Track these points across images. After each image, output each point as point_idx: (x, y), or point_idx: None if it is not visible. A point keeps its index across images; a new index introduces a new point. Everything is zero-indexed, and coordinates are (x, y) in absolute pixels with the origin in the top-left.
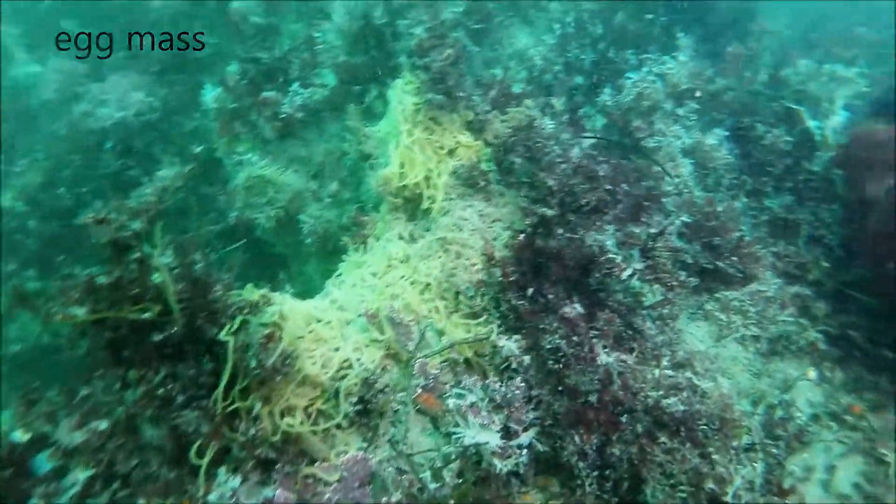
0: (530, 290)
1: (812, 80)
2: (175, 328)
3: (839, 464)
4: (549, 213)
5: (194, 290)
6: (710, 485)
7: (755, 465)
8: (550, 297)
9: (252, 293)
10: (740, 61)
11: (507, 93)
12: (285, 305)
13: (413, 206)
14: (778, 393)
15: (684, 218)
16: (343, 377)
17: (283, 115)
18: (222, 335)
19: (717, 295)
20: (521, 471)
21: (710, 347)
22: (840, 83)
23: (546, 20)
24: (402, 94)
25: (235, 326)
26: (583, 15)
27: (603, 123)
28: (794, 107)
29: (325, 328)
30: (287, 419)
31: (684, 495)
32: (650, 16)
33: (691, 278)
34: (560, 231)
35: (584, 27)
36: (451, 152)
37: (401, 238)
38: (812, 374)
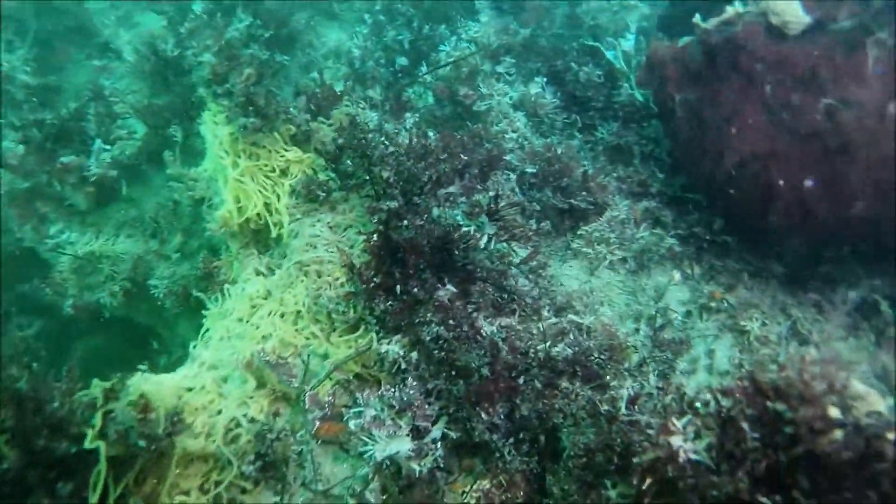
0: (398, 288)
1: (603, 14)
2: (6, 464)
3: (715, 346)
4: (394, 204)
5: (21, 411)
6: (604, 407)
7: (649, 377)
8: (416, 290)
9: (99, 387)
10: (539, 11)
11: (329, 94)
12: (146, 385)
13: (262, 237)
14: (654, 304)
15: (529, 169)
16: (233, 439)
17: (93, 179)
18: (87, 443)
19: (579, 232)
20: (442, 464)
21: (584, 283)
22: (628, 10)
23: (354, 11)
24: (214, 127)
25: (98, 425)
26: None
27: (431, 100)
28: (592, 43)
29: (199, 395)
30: (180, 498)
31: (591, 428)
32: None
33: (544, 223)
34: (408, 219)
35: (394, 11)
36: (283, 172)
37: (258, 274)
38: (677, 276)
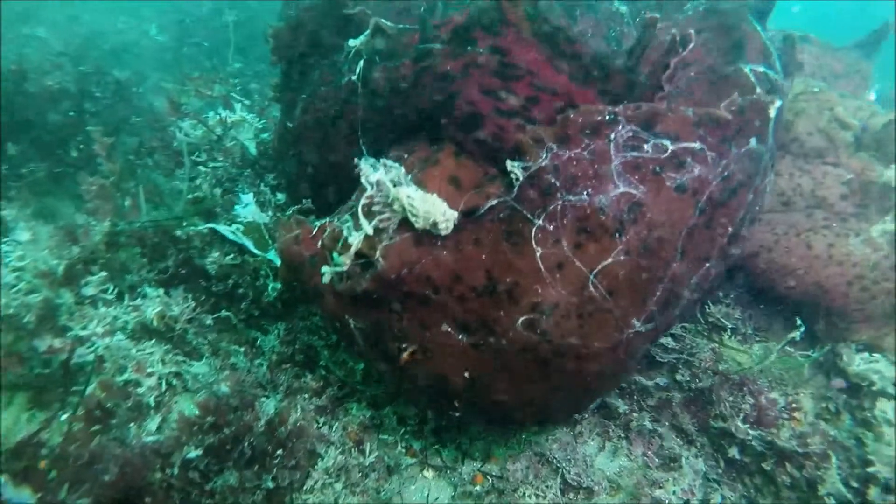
0: None
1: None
2: None
3: None
4: None
5: None
6: None
7: None
8: None
9: None
10: (105, 189)
11: None
12: None
13: None
14: None
15: (192, 454)
16: None
17: None
18: None
19: None
20: None
21: None
22: (238, 129)
23: None
24: None
25: None
26: None
27: None
28: (206, 226)
29: None
30: None
31: None
32: None
33: None
34: None
35: None
36: None
37: None
38: (430, 474)
